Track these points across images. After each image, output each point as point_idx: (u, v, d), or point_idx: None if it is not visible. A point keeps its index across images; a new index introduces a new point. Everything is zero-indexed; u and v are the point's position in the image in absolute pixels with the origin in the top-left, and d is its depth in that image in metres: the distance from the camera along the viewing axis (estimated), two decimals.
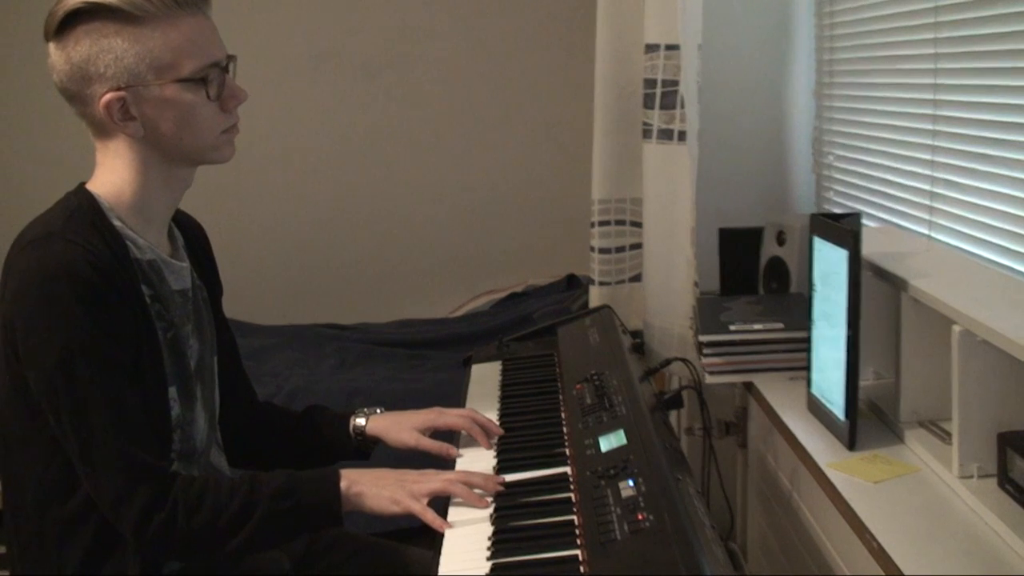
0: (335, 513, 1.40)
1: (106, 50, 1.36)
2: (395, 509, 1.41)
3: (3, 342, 1.36)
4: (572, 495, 1.40)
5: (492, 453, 1.62)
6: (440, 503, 1.45)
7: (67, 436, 1.32)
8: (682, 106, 2.20)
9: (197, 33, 1.41)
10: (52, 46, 1.40)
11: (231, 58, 1.46)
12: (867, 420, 1.69)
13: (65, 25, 1.37)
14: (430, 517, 1.39)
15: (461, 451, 1.64)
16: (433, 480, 1.45)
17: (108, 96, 1.37)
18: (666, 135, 2.26)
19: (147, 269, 1.42)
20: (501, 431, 1.68)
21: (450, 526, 1.38)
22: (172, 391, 1.43)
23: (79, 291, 1.30)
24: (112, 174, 1.43)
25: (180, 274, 1.49)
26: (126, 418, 1.33)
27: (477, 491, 1.45)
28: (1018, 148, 1.65)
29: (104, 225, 1.39)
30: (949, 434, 1.52)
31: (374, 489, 1.42)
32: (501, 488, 1.46)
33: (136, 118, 1.39)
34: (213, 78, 1.42)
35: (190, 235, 1.59)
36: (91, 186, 1.44)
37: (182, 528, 1.32)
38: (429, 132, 4.03)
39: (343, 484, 1.40)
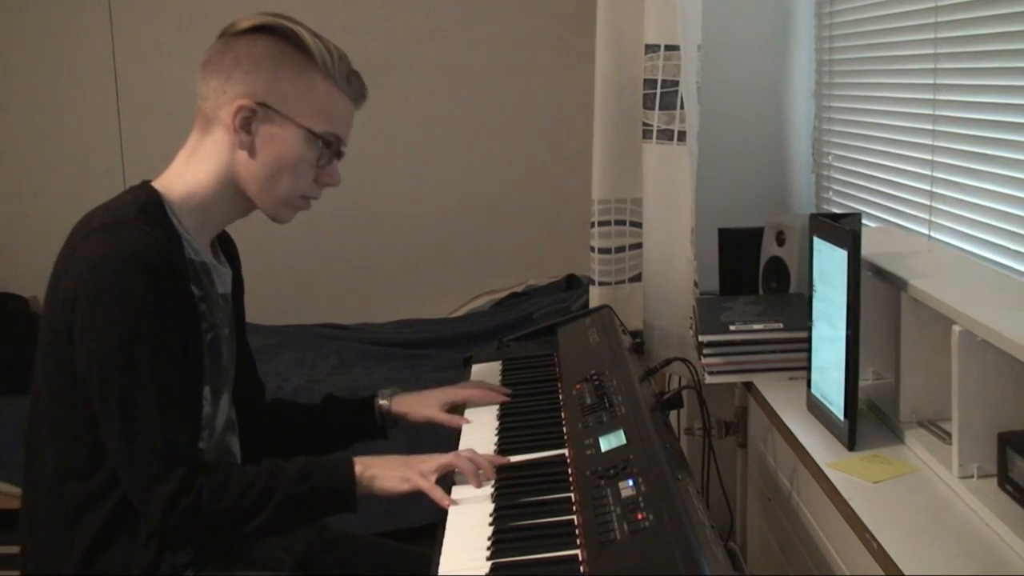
0: (350, 496, 1.45)
1: (271, 68, 1.45)
2: (405, 487, 1.47)
3: (57, 318, 1.39)
4: (572, 495, 1.40)
5: (493, 449, 1.63)
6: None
7: (111, 415, 1.36)
8: (682, 106, 2.20)
9: (345, 111, 1.52)
10: (228, 37, 1.48)
11: (344, 151, 1.54)
12: (867, 420, 1.69)
13: (254, 31, 1.46)
14: (438, 495, 1.46)
15: (469, 419, 1.76)
16: (440, 458, 1.52)
17: (243, 101, 1.44)
18: (666, 135, 2.25)
19: (199, 270, 1.48)
20: (508, 392, 1.84)
21: (454, 502, 1.45)
22: (206, 390, 1.47)
23: (148, 278, 1.35)
24: (192, 176, 1.48)
25: (224, 279, 1.55)
26: (172, 405, 1.37)
27: (480, 472, 1.51)
28: (1018, 148, 1.65)
29: (166, 223, 1.43)
30: (949, 434, 1.52)
31: (385, 471, 1.48)
32: (506, 462, 1.54)
33: (251, 134, 1.46)
34: (331, 151, 1.50)
35: (224, 243, 1.64)
36: (159, 184, 1.48)
37: (206, 512, 1.36)
38: (429, 132, 4.03)
39: (357, 468, 1.46)
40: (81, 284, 1.36)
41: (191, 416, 1.43)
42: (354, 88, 1.52)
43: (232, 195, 1.50)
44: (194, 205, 1.48)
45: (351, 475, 1.45)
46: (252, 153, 1.47)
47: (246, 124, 1.46)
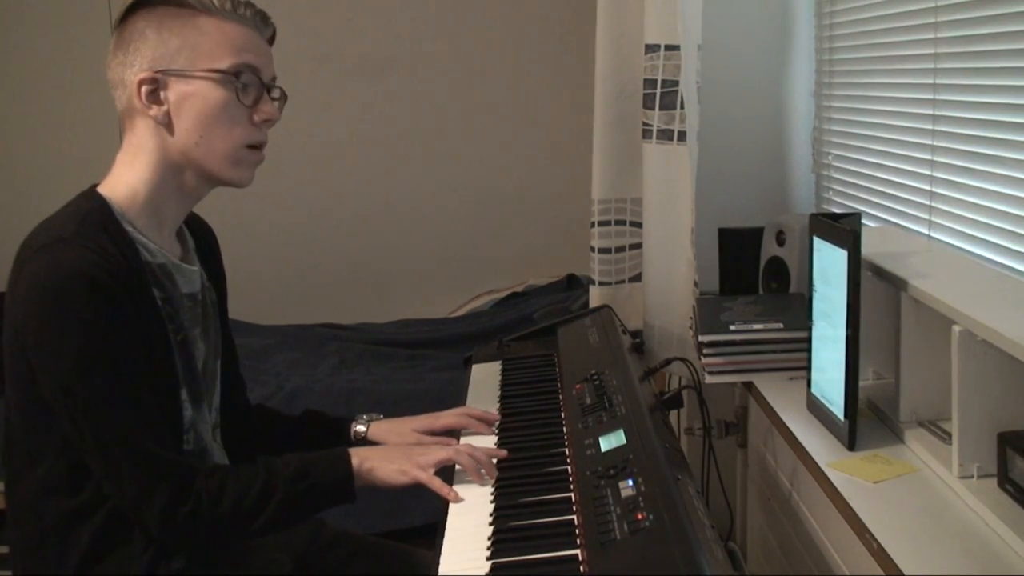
0: (349, 489, 1.45)
1: (156, 35, 1.40)
2: (403, 479, 1.46)
3: (12, 343, 1.36)
4: (572, 495, 1.40)
5: (493, 445, 1.63)
6: (442, 503, 1.46)
7: (84, 438, 1.33)
8: (682, 106, 2.20)
9: (246, 39, 1.44)
10: (114, 35, 1.43)
11: (277, 86, 1.48)
12: (867, 420, 1.69)
13: (129, 14, 1.42)
14: (437, 485, 1.46)
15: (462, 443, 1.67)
16: (439, 450, 1.51)
17: (142, 75, 1.40)
18: (666, 135, 2.25)
19: (158, 272, 1.43)
20: (498, 417, 1.74)
21: (457, 495, 1.44)
22: (183, 393, 1.44)
23: (92, 295, 1.30)
24: (129, 173, 1.43)
25: (190, 278, 1.49)
26: (143, 416, 1.34)
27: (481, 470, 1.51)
28: (1018, 148, 1.65)
29: (115, 229, 1.39)
30: (949, 434, 1.52)
31: (383, 463, 1.47)
32: (504, 455, 1.54)
33: (163, 103, 1.41)
34: (249, 83, 1.44)
35: (200, 238, 1.60)
36: (103, 188, 1.44)
37: (207, 518, 1.35)
38: (429, 132, 4.03)
39: (354, 461, 1.45)
40: (29, 310, 1.32)
41: (168, 424, 1.40)
42: (246, 15, 1.44)
43: (174, 180, 1.44)
44: (142, 203, 1.42)
45: (348, 469, 1.45)
46: (172, 123, 1.41)
47: (153, 96, 1.40)
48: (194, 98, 1.41)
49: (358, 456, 1.46)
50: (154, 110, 1.41)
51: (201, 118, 1.41)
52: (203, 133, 1.42)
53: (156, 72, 1.40)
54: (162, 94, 1.41)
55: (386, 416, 1.75)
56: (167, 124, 1.42)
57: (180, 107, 1.41)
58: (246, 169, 1.47)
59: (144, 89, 1.40)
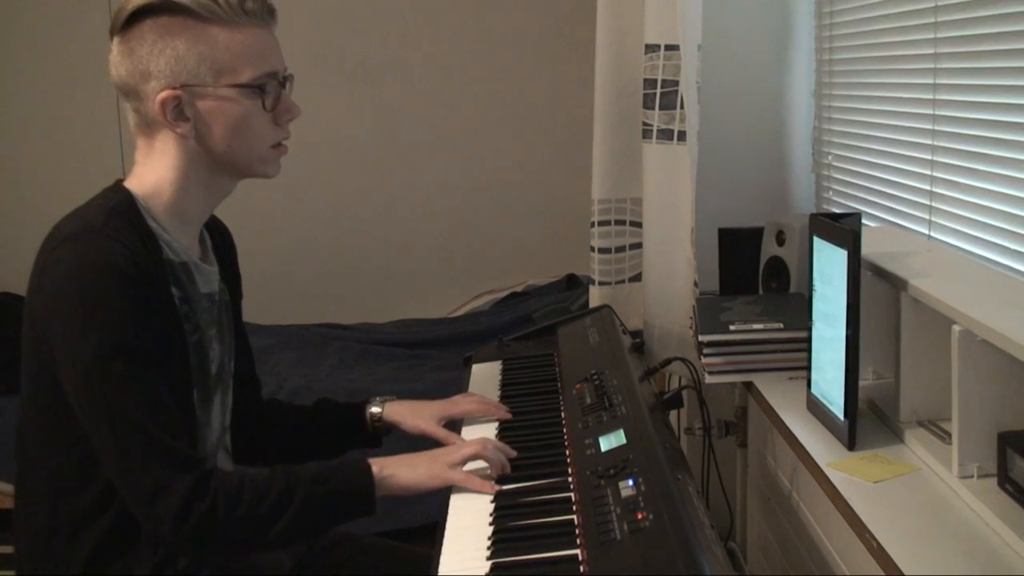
0: (369, 498, 1.42)
1: (169, 47, 1.39)
2: (435, 484, 1.45)
3: (33, 333, 1.36)
4: (572, 495, 1.40)
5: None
6: (441, 503, 1.46)
7: (101, 431, 1.32)
8: (682, 106, 2.20)
9: (260, 43, 1.44)
10: (116, 41, 1.42)
11: (288, 75, 1.48)
12: (867, 420, 1.69)
13: (132, 21, 1.40)
14: (477, 484, 1.45)
15: (468, 427, 1.70)
16: (464, 447, 1.50)
17: (164, 94, 1.39)
18: (666, 135, 2.25)
19: (178, 271, 1.43)
20: (510, 415, 1.74)
21: (497, 488, 1.44)
22: (194, 394, 1.44)
23: (119, 287, 1.31)
24: (153, 174, 1.44)
25: (208, 278, 1.50)
26: (162, 412, 1.33)
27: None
28: (1018, 148, 1.65)
29: (141, 225, 1.40)
30: (949, 434, 1.52)
31: (406, 470, 1.45)
32: (514, 454, 1.53)
33: (189, 119, 1.41)
34: (270, 89, 1.45)
35: (217, 238, 1.60)
36: (130, 184, 1.45)
37: (223, 519, 1.32)
38: (429, 132, 4.03)
39: (375, 469, 1.43)
40: (55, 298, 1.33)
41: (185, 422, 1.39)
42: (254, 14, 1.42)
43: (201, 183, 1.45)
44: (166, 202, 1.43)
45: (368, 476, 1.41)
46: (200, 135, 1.42)
47: (178, 113, 1.40)
48: (220, 111, 1.42)
49: (377, 464, 1.43)
50: (181, 127, 1.41)
51: (229, 128, 1.43)
52: (232, 141, 1.44)
53: (178, 89, 1.39)
54: (187, 110, 1.41)
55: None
56: (194, 136, 1.42)
57: (207, 122, 1.42)
58: (273, 165, 1.50)
59: (168, 106, 1.40)
